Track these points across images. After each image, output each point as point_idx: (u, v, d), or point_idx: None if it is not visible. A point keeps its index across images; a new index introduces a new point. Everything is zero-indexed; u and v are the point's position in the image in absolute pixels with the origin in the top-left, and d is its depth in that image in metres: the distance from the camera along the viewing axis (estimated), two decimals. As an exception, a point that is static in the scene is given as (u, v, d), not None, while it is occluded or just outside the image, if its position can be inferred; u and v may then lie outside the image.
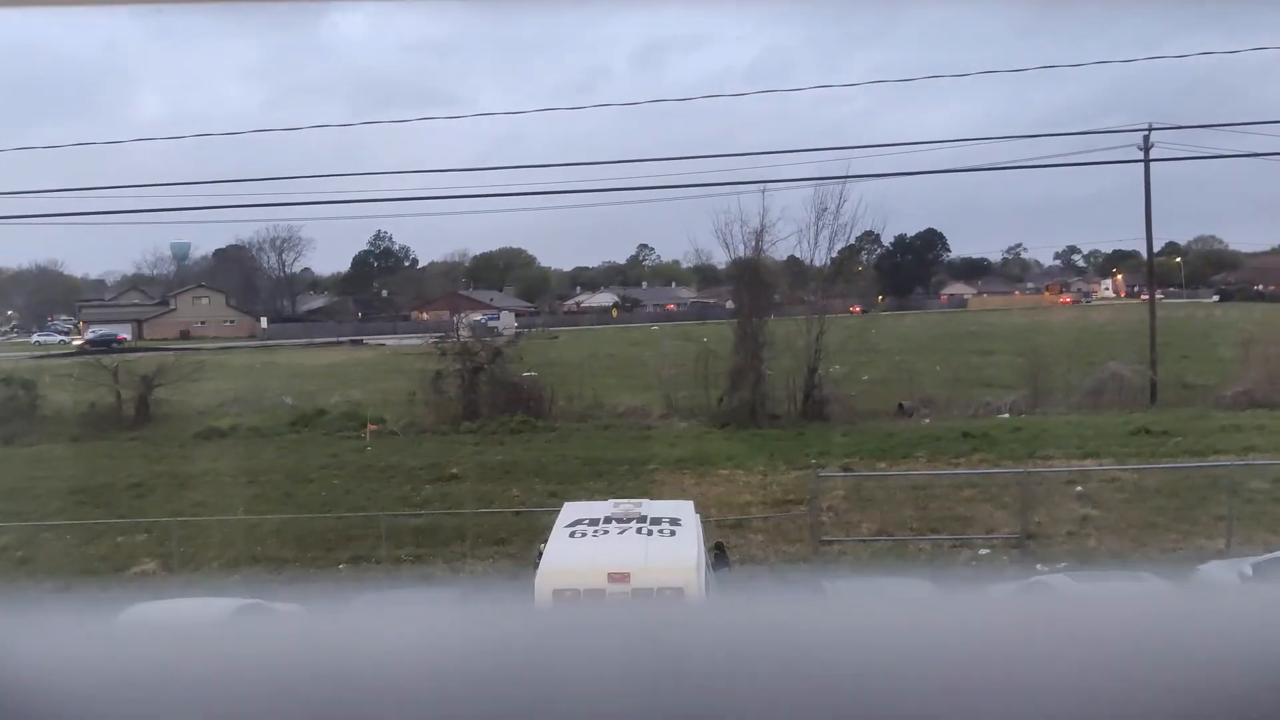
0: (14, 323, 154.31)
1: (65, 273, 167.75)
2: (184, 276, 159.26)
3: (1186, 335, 65.52)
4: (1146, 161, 41.46)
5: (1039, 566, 18.14)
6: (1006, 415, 37.93)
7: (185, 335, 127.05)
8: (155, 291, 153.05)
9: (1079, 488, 24.58)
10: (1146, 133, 40.78)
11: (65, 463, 33.20)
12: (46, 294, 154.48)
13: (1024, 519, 19.78)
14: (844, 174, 38.77)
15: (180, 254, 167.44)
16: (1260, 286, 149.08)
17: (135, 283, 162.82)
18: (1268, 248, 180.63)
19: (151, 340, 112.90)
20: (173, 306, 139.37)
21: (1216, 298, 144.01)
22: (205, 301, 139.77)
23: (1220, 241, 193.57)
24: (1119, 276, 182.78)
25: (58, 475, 30.81)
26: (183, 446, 36.05)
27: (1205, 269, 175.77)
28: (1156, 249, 48.87)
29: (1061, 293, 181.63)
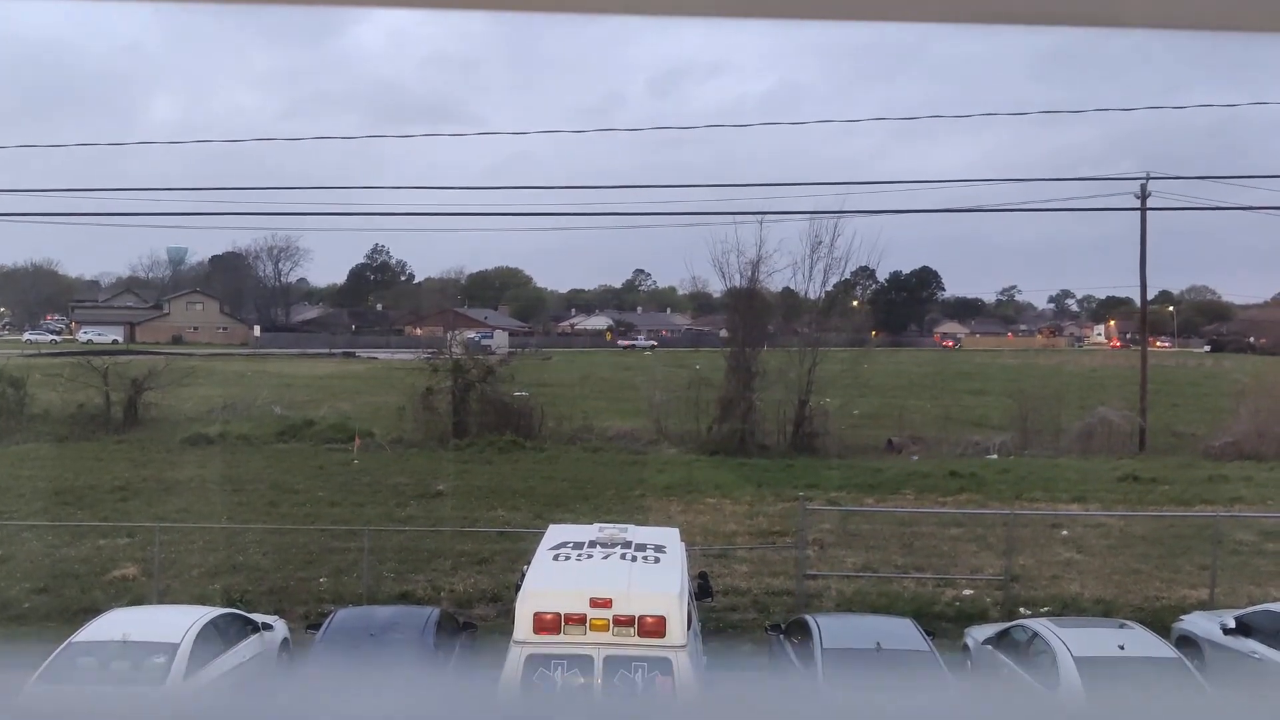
0: (5, 320, 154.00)
1: (60, 272, 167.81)
2: (179, 281, 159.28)
3: (1177, 384, 65.77)
4: (1143, 210, 41.69)
5: (1022, 610, 18.10)
6: (995, 456, 37.98)
7: (178, 340, 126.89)
8: (149, 295, 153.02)
9: (1064, 532, 24.59)
10: (1144, 181, 41.04)
11: (51, 463, 33.05)
12: (40, 293, 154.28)
13: (1009, 561, 19.75)
14: (841, 209, 38.94)
15: (176, 258, 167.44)
16: (1251, 339, 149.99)
17: (130, 285, 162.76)
18: (1260, 300, 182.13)
19: (143, 344, 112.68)
20: (166, 311, 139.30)
21: (1208, 348, 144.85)
22: (199, 307, 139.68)
23: (1213, 292, 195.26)
24: (1111, 323, 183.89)
25: (43, 475, 30.67)
26: (170, 451, 35.93)
27: (1197, 319, 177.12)
28: (1150, 297, 49.05)
29: (1055, 336, 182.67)
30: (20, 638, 16.56)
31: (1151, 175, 41.04)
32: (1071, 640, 12.82)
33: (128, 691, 11.74)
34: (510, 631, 10.64)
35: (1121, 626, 13.85)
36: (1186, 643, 14.95)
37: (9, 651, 15.91)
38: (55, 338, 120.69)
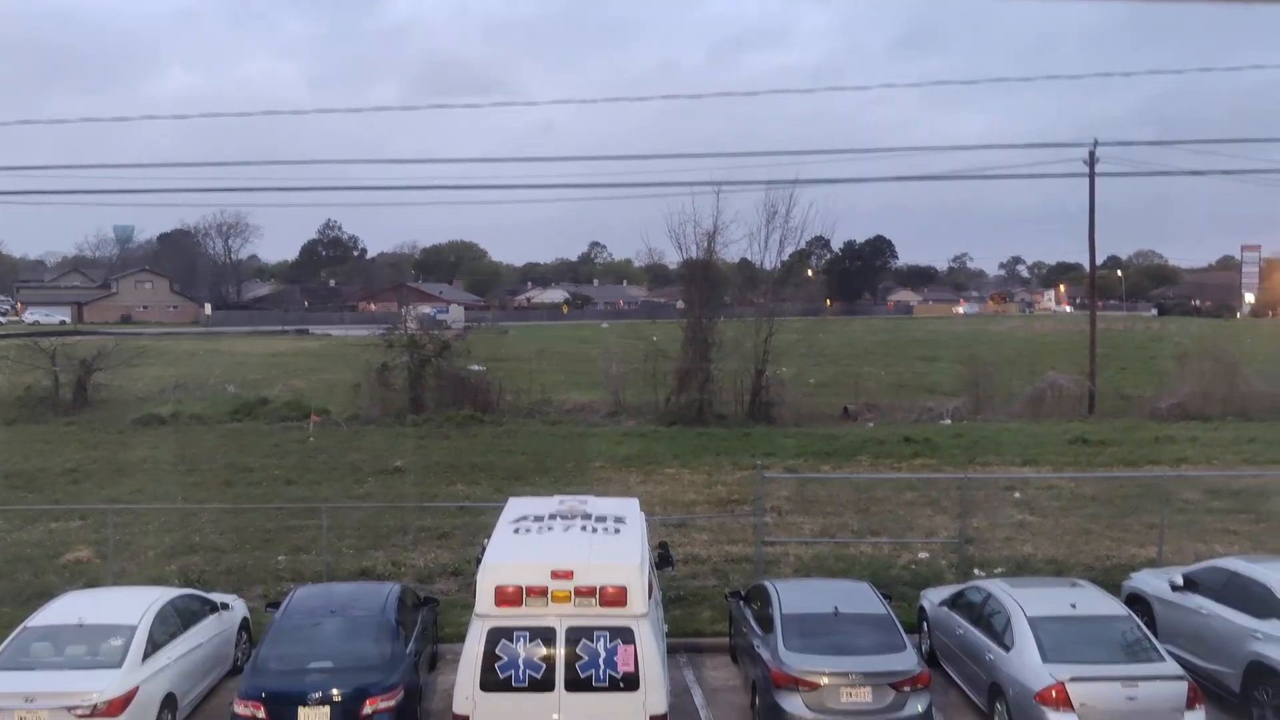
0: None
1: (3, 252, 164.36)
2: (127, 260, 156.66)
3: (1125, 347, 66.97)
4: (1091, 176, 42.22)
5: (977, 571, 18.40)
6: (948, 421, 38.48)
7: (127, 319, 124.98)
8: (97, 274, 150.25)
9: (1017, 494, 25.01)
10: (1091, 148, 41.53)
11: (-1, 446, 32.51)
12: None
13: (963, 523, 20.05)
14: (797, 179, 39.05)
15: (123, 237, 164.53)
16: (1197, 301, 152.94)
17: (76, 264, 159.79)
18: (1205, 264, 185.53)
19: (92, 324, 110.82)
20: (114, 290, 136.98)
21: (1155, 311, 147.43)
22: (148, 286, 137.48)
23: (1160, 256, 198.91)
24: (1061, 288, 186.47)
25: (-10, 459, 30.16)
26: (121, 432, 35.47)
27: (1145, 283, 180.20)
28: (1099, 262, 49.74)
29: (1005, 302, 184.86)
30: (-27, 623, 16.33)
31: (1099, 142, 41.62)
32: (1025, 600, 13.06)
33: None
34: (472, 605, 10.66)
35: (1073, 585, 14.11)
36: (1136, 600, 15.28)
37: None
38: (0, 319, 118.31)
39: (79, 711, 11.16)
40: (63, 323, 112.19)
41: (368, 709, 11.40)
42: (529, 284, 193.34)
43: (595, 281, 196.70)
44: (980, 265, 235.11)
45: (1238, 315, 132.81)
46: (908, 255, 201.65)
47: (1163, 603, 14.85)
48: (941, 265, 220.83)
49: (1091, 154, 41.61)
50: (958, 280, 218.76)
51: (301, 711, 11.35)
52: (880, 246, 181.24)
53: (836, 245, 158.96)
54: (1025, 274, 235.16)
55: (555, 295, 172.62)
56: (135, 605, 12.96)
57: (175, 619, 13.25)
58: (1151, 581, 15.53)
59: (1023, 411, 40.49)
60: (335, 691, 11.44)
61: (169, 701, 12.30)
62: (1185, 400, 39.78)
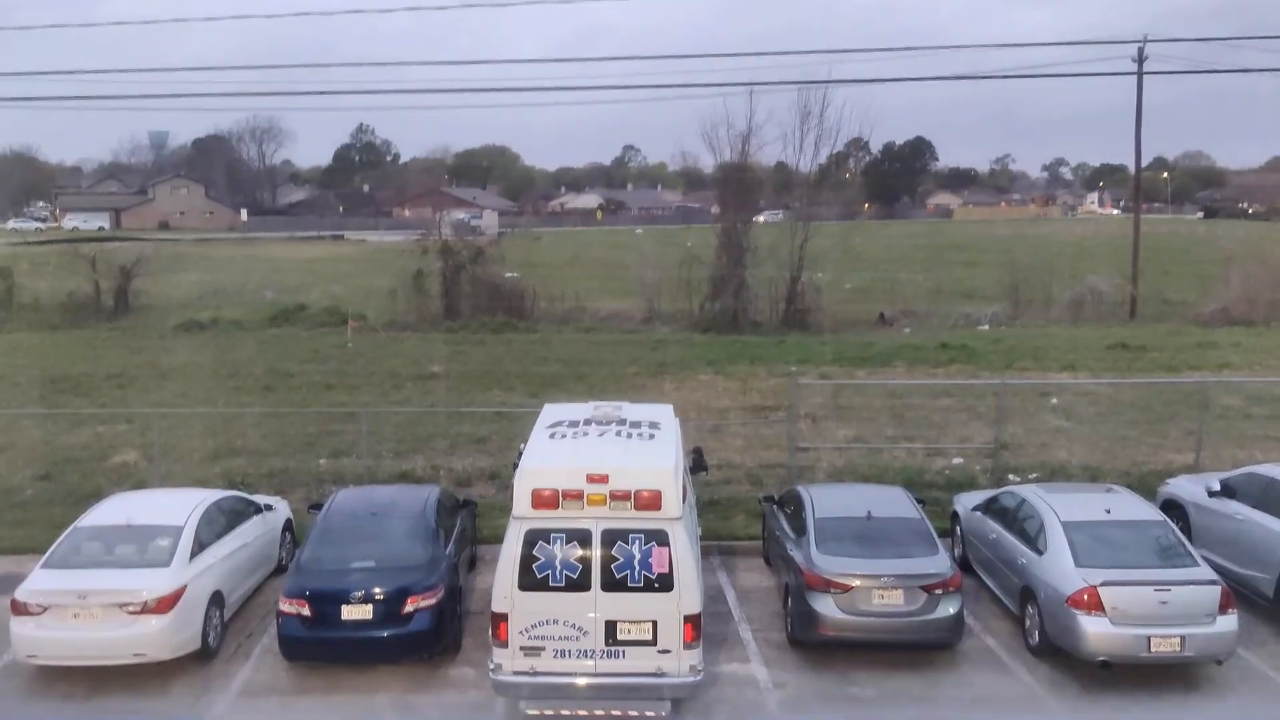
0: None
1: (40, 159, 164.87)
2: (162, 165, 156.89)
3: (1169, 251, 65.75)
4: (1139, 75, 41.02)
5: (1011, 477, 18.41)
6: (986, 327, 38.19)
7: (164, 225, 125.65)
8: (133, 180, 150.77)
9: (1054, 400, 24.87)
10: (1141, 45, 40.26)
11: (44, 351, 33.12)
12: (21, 180, 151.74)
13: (998, 429, 20.00)
14: (830, 78, 38.27)
15: (158, 142, 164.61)
16: (1245, 204, 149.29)
17: (112, 171, 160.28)
18: (1255, 165, 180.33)
19: (130, 230, 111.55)
20: (151, 196, 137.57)
21: (1201, 214, 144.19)
22: (184, 192, 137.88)
23: (1208, 158, 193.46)
24: (1105, 191, 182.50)
25: (37, 364, 30.75)
26: (162, 338, 35.97)
27: (1192, 185, 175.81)
28: (1145, 164, 48.59)
29: (1047, 205, 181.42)
30: (25, 524, 16.81)
31: (1149, 39, 40.26)
32: (1059, 505, 13.06)
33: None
34: (510, 508, 10.82)
35: (1108, 491, 14.08)
36: (1172, 506, 15.25)
37: (16, 537, 16.18)
38: (40, 225, 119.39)
39: (130, 608, 11.50)
40: (101, 229, 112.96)
41: (409, 607, 11.67)
42: (562, 189, 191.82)
43: (629, 186, 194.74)
44: (1023, 167, 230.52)
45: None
46: (948, 157, 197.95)
47: (1198, 508, 14.82)
48: (983, 167, 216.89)
49: (1140, 51, 40.41)
50: (999, 183, 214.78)
51: (345, 609, 11.64)
52: (920, 148, 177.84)
53: (875, 147, 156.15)
54: (1069, 176, 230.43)
55: (589, 200, 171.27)
56: (181, 506, 13.25)
57: (220, 519, 13.55)
58: (1188, 487, 15.48)
59: (1062, 317, 40.09)
60: (377, 590, 11.71)
61: (216, 599, 12.64)
62: (1230, 305, 39.17)
